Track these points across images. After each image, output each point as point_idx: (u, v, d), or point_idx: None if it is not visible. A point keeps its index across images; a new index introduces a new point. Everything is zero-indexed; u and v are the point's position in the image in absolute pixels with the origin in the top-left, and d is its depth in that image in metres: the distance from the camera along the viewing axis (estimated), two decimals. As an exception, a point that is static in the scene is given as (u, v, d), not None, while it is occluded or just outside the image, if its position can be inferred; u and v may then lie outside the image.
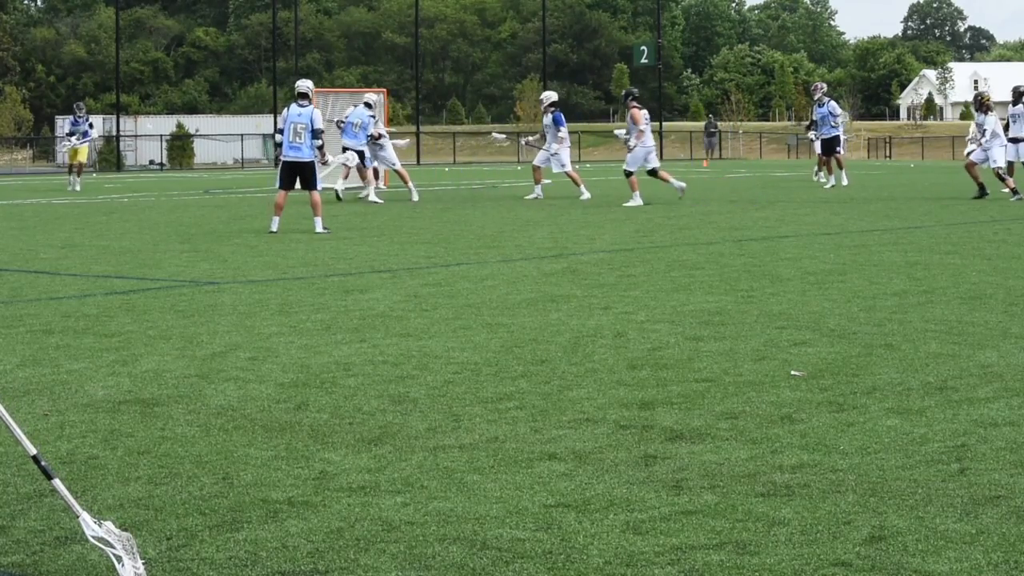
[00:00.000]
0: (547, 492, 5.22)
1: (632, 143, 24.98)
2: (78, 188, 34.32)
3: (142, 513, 5.01)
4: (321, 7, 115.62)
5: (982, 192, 25.56)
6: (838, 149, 31.46)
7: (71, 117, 37.11)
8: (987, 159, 25.84)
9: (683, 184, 25.59)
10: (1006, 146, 26.17)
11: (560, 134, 27.00)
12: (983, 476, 5.34)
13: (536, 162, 27.52)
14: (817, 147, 33.42)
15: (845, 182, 31.05)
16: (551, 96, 27.84)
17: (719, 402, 6.83)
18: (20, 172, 57.82)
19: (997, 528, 4.66)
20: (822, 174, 33.17)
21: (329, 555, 4.50)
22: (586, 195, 26.77)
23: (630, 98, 25.63)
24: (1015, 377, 7.36)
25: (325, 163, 23.69)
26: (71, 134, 36.30)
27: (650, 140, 25.44)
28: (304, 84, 19.26)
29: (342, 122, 28.18)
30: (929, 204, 24.21)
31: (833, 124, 31.18)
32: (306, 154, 18.72)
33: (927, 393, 6.97)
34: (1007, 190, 25.51)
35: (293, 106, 18.86)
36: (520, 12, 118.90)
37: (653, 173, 25.21)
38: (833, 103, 31.62)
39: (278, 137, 19.23)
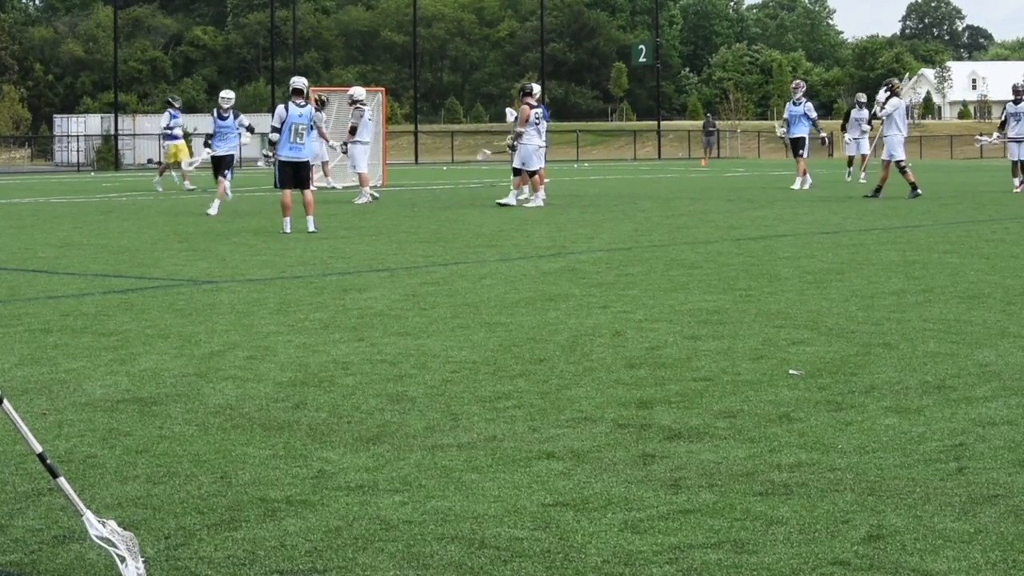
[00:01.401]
0: (545, 491, 5.22)
1: (516, 134, 24.60)
2: (190, 186, 32.27)
3: (140, 512, 5.01)
4: (319, 6, 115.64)
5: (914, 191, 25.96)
6: (801, 152, 30.44)
7: (168, 111, 33.83)
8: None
9: (544, 198, 24.37)
10: (904, 139, 26.84)
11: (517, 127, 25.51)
12: (981, 475, 5.34)
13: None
14: (849, 147, 33.03)
15: (797, 186, 29.66)
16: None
17: (717, 401, 6.83)
18: (18, 171, 57.83)
19: (995, 527, 4.66)
20: (854, 173, 32.75)
21: (327, 554, 4.50)
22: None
23: (524, 94, 25.31)
24: (1013, 376, 7.36)
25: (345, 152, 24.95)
26: (171, 128, 33.27)
27: (538, 140, 24.88)
28: (301, 81, 19.18)
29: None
30: (927, 203, 24.23)
31: (805, 124, 30.30)
32: (305, 154, 18.80)
33: (925, 392, 6.97)
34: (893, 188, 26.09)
35: (291, 106, 18.65)
36: (518, 11, 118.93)
37: (533, 174, 24.64)
38: (809, 104, 30.65)
39: (273, 136, 18.95)
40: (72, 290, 12.07)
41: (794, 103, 30.46)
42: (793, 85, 32.06)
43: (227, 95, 26.42)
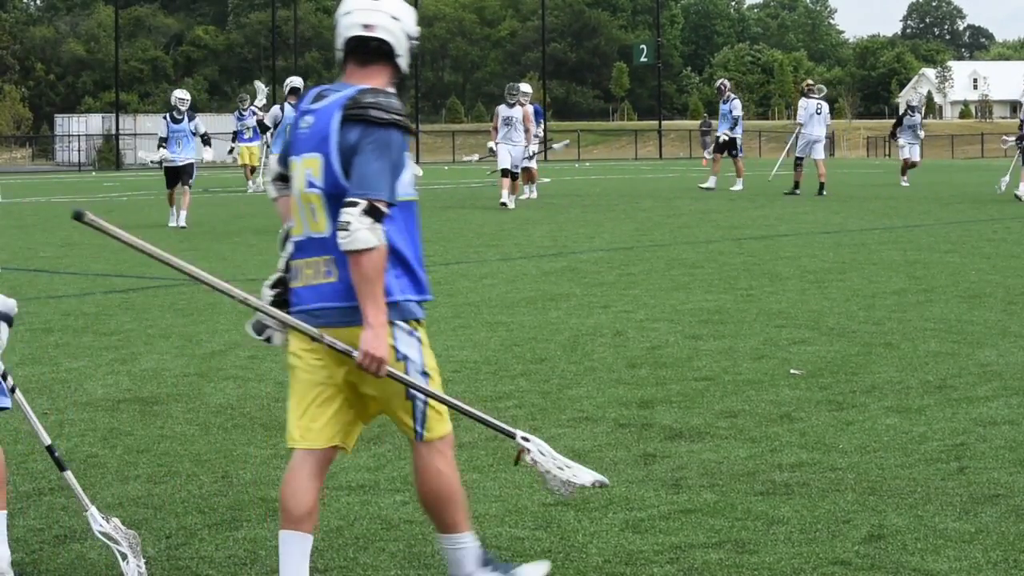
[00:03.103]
0: (546, 491, 5.21)
1: (535, 147, 24.23)
2: (261, 189, 29.39)
3: (142, 511, 5.01)
4: (320, 5, 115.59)
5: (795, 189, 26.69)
6: (734, 152, 29.94)
7: (236, 112, 32.21)
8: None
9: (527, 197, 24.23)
10: (807, 139, 27.93)
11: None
12: (982, 475, 5.34)
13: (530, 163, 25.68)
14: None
15: (710, 184, 29.27)
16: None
17: (718, 401, 6.83)
18: (19, 170, 57.86)
19: (996, 526, 4.66)
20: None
21: (329, 553, 4.50)
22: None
23: (523, 95, 24.26)
24: (1014, 376, 7.36)
25: None
26: (238, 132, 31.43)
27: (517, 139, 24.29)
28: (299, 80, 19.44)
29: None
30: (928, 203, 24.21)
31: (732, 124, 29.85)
32: None
33: (926, 392, 6.97)
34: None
35: (287, 107, 18.98)
36: (519, 11, 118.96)
37: (509, 174, 23.63)
38: (737, 102, 30.29)
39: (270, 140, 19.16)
40: (73, 290, 12.07)
41: (723, 102, 30.01)
42: (718, 84, 31.72)
43: (181, 95, 21.59)
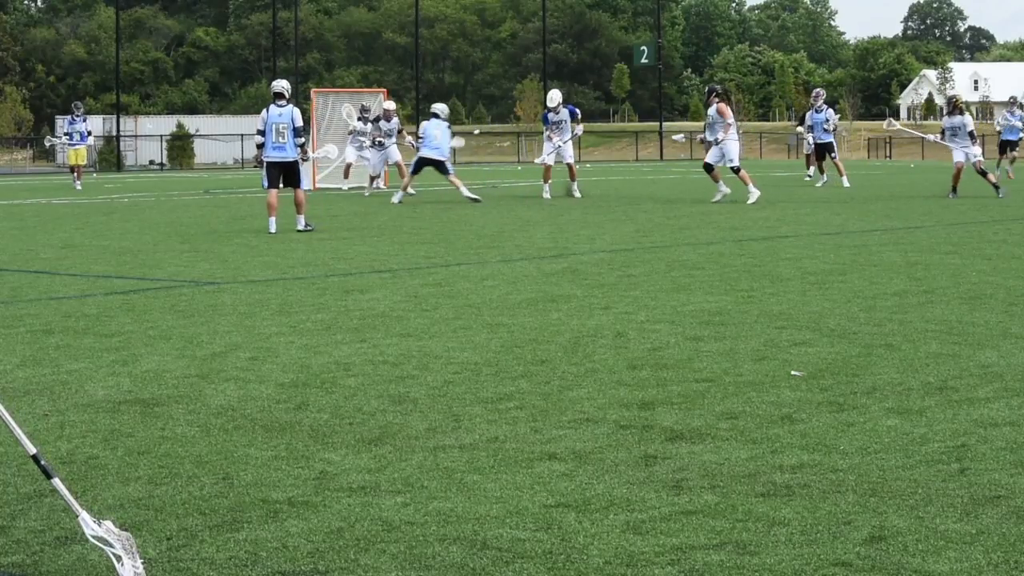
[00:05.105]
0: (547, 492, 5.21)
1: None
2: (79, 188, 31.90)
3: (142, 513, 5.01)
4: (321, 7, 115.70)
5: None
6: (832, 154, 32.83)
7: (69, 117, 33.68)
8: (722, 158, 26.30)
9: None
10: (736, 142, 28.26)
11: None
12: (983, 476, 5.34)
13: (551, 160, 28.25)
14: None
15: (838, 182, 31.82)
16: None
17: (719, 402, 6.83)
18: (20, 172, 57.86)
19: (997, 528, 4.66)
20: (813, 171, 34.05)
21: (329, 555, 4.50)
22: (576, 194, 28.35)
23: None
24: (1015, 377, 7.35)
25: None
26: (69, 135, 32.53)
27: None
28: (279, 84, 19.65)
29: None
30: (929, 204, 24.21)
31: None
32: (289, 153, 19.11)
33: (927, 393, 6.96)
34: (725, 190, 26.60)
35: (272, 107, 19.30)
36: (520, 12, 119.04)
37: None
38: (831, 111, 33.16)
39: (258, 138, 19.42)
40: (74, 291, 12.08)
41: (815, 111, 33.24)
42: (813, 94, 34.74)
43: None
